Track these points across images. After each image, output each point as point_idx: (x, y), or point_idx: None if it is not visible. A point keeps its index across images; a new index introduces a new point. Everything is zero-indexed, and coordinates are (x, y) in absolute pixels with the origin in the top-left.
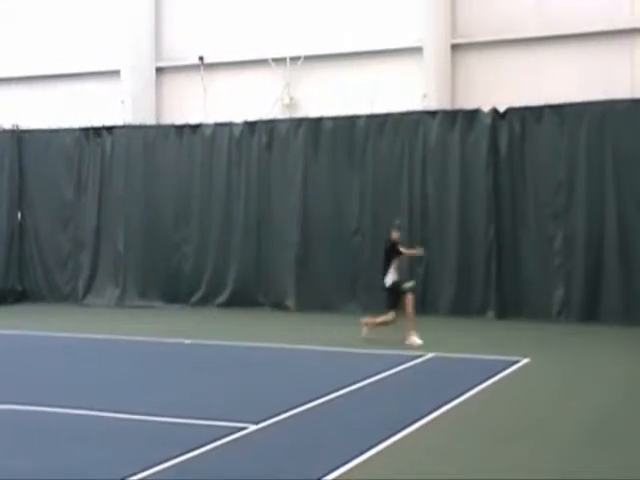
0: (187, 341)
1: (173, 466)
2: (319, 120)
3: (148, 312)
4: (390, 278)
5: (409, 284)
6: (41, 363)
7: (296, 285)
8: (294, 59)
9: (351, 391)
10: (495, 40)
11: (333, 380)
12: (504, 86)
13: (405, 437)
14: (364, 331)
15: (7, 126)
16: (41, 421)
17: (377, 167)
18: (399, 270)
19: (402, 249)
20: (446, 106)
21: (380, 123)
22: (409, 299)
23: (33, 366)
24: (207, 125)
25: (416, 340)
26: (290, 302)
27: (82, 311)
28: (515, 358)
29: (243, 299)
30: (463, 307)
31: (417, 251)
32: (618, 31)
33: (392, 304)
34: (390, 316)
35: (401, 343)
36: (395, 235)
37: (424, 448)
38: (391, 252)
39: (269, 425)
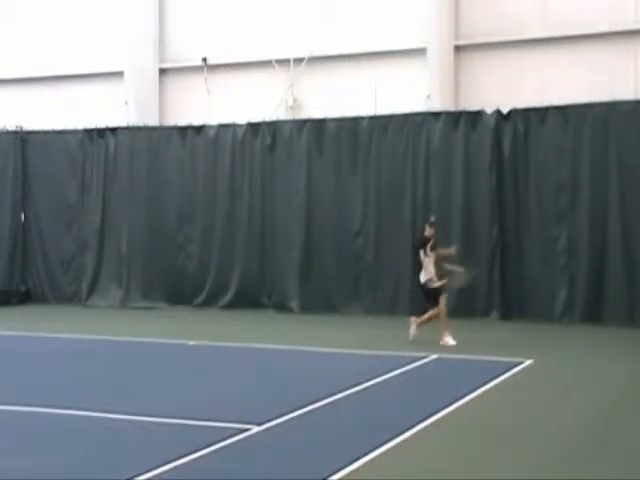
0: (191, 342)
1: (176, 467)
2: (322, 121)
3: (152, 313)
4: (423, 276)
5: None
6: (44, 364)
7: (300, 286)
8: (297, 60)
9: (354, 392)
10: (499, 41)
11: (336, 381)
12: (507, 87)
13: (409, 439)
14: (412, 330)
15: (11, 127)
16: (44, 422)
17: (380, 168)
18: (435, 267)
19: (430, 251)
20: (450, 107)
21: (384, 124)
22: (442, 298)
23: (36, 367)
24: (210, 126)
25: (450, 340)
26: (294, 303)
27: (86, 312)
28: (519, 359)
29: (247, 300)
30: (467, 308)
31: (449, 250)
32: (622, 32)
33: (430, 301)
34: (434, 312)
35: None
36: (429, 232)
37: (428, 450)
38: (420, 249)
39: (272, 426)
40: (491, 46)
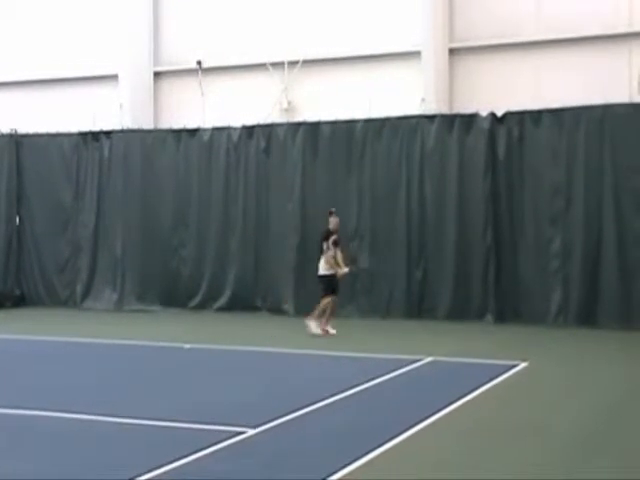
0: (186, 345)
1: (171, 470)
2: (317, 124)
3: (146, 316)
4: (323, 268)
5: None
6: (39, 367)
7: (294, 289)
8: (292, 63)
9: (349, 395)
10: (493, 44)
11: (331, 384)
12: (502, 90)
13: (403, 441)
14: (312, 327)
15: (5, 130)
16: (39, 425)
17: (375, 171)
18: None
19: (328, 248)
20: (444, 110)
21: (378, 127)
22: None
23: (31, 370)
24: (205, 129)
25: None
26: (288, 306)
27: (80, 315)
28: (513, 362)
29: (241, 303)
30: (461, 311)
31: (342, 270)
32: (616, 35)
33: (326, 293)
34: (326, 301)
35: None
36: (332, 224)
37: (425, 451)
38: (324, 242)
39: (267, 429)
40: (485, 49)
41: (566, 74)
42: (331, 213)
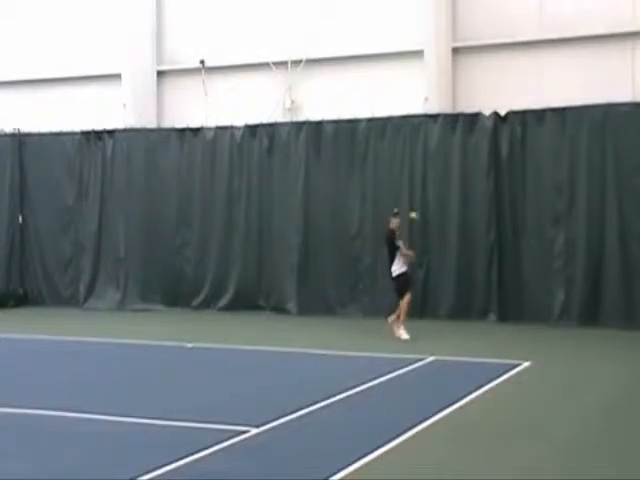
0: (189, 345)
1: (175, 469)
2: (320, 124)
3: (149, 315)
4: (396, 268)
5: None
6: (42, 367)
7: (297, 289)
8: (295, 63)
9: (352, 395)
10: (496, 43)
11: (334, 384)
12: (505, 89)
13: (406, 440)
14: (402, 332)
15: (8, 130)
16: (42, 425)
17: (378, 170)
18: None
19: (400, 244)
20: (447, 109)
21: (381, 127)
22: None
23: (34, 370)
24: (208, 129)
25: (404, 334)
26: (291, 306)
27: (83, 314)
28: (516, 361)
29: (244, 303)
30: (464, 310)
31: (410, 254)
32: (619, 34)
33: (403, 290)
34: (407, 299)
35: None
36: (394, 224)
37: (425, 452)
38: (391, 242)
39: (270, 429)
40: (488, 48)
41: (569, 73)
42: (396, 214)
